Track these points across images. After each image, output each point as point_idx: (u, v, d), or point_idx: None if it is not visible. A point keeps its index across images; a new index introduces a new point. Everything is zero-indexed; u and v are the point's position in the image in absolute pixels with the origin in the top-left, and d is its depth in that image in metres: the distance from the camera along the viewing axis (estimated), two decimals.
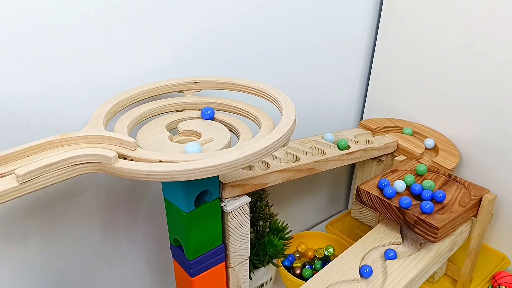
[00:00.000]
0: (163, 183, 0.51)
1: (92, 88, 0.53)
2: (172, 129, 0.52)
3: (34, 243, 0.56)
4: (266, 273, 0.71)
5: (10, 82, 0.47)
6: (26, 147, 0.40)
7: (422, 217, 0.58)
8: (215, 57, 0.62)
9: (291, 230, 0.73)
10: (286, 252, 0.74)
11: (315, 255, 0.79)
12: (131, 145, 0.41)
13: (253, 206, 0.67)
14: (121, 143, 0.42)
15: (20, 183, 0.36)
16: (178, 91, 0.57)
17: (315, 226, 0.94)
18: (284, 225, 0.72)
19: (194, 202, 0.50)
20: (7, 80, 0.47)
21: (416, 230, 0.59)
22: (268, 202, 0.70)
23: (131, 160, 0.41)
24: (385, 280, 0.56)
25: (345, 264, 0.59)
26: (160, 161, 0.40)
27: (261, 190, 0.68)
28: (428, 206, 0.59)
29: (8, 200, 0.36)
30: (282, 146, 0.45)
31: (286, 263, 0.77)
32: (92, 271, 0.63)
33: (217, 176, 0.51)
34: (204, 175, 0.39)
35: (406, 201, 0.60)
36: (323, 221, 0.94)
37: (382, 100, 0.84)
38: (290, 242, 0.72)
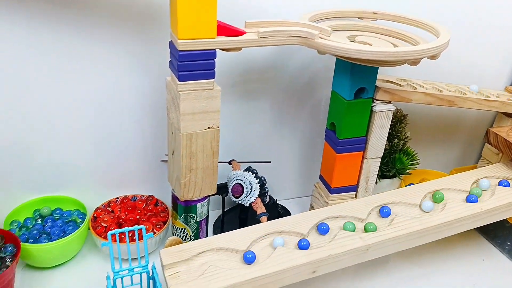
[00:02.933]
0: (335, 77, 0.71)
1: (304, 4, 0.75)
2: (351, 41, 0.71)
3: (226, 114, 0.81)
4: (389, 185, 0.87)
5: None
6: (270, 20, 0.62)
7: None
8: None
9: (419, 159, 0.87)
10: (410, 181, 0.88)
11: None
12: (327, 32, 0.61)
13: (393, 126, 0.83)
14: (320, 31, 0.62)
15: (259, 37, 0.59)
16: (359, 17, 0.75)
17: None
18: (414, 152, 0.86)
19: (354, 94, 0.68)
20: None
21: None
22: (405, 129, 0.85)
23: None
24: (492, 196, 0.68)
25: (459, 180, 0.72)
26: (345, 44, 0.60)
27: (402, 116, 0.84)
28: None
29: (250, 46, 0.59)
30: (432, 58, 0.61)
31: None
32: (262, 144, 0.86)
33: (376, 76, 0.68)
34: (371, 56, 0.57)
35: None
36: None
37: None
38: (416, 167, 0.86)
